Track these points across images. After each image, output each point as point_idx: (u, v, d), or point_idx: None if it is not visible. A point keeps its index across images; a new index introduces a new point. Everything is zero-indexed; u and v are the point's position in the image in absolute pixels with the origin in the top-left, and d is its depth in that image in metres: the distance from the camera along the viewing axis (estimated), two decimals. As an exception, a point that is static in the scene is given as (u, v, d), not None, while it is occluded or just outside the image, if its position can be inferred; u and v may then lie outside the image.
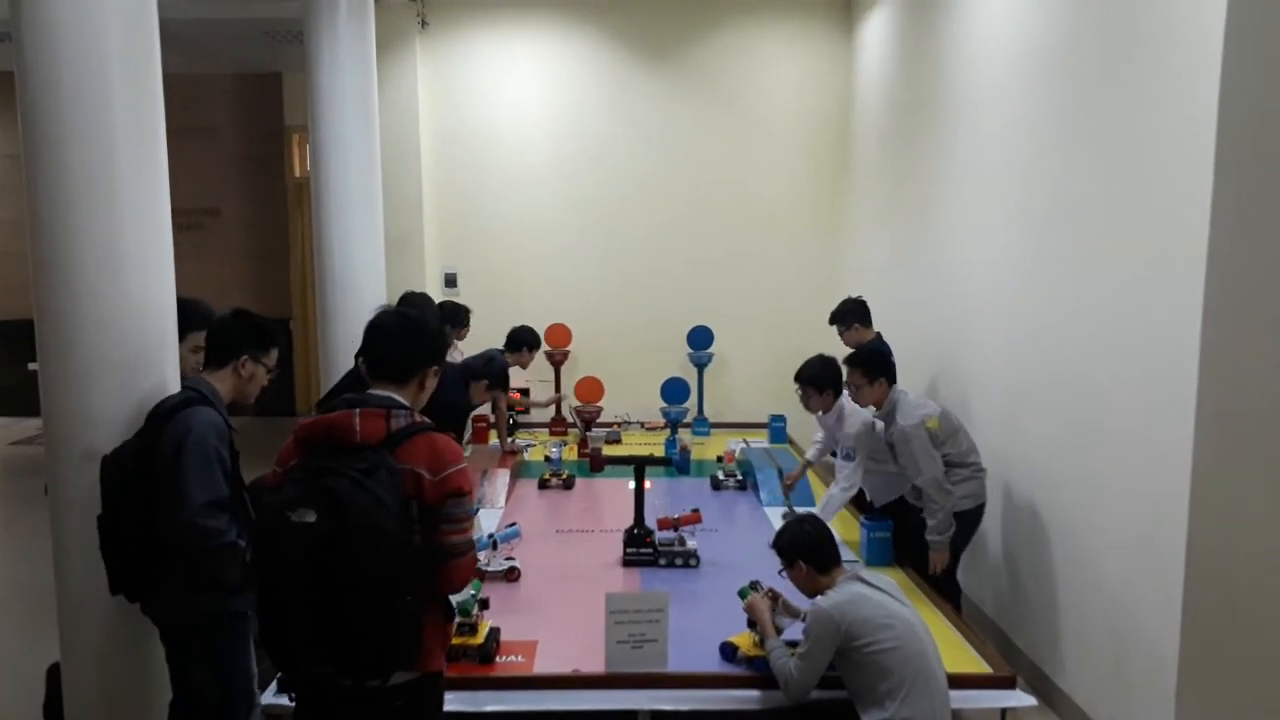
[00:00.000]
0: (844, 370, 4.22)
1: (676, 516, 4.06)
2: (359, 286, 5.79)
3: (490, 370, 4.95)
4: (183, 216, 9.43)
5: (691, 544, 3.99)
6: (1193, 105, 2.88)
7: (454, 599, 2.38)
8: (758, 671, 2.97)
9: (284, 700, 2.82)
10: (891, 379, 4.05)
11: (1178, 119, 2.99)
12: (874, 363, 4.07)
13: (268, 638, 2.09)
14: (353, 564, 1.94)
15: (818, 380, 4.43)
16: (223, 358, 2.75)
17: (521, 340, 5.95)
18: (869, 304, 5.08)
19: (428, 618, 2.15)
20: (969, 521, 3.95)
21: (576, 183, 7.49)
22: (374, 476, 1.99)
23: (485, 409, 6.30)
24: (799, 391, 4.52)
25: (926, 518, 3.82)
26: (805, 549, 2.94)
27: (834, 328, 5.17)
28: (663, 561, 3.94)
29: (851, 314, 4.99)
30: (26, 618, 4.45)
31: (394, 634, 2.05)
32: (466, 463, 2.21)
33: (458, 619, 2.78)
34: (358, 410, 2.11)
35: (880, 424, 4.08)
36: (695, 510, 4.12)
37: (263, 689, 2.87)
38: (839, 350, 4.66)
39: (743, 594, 3.12)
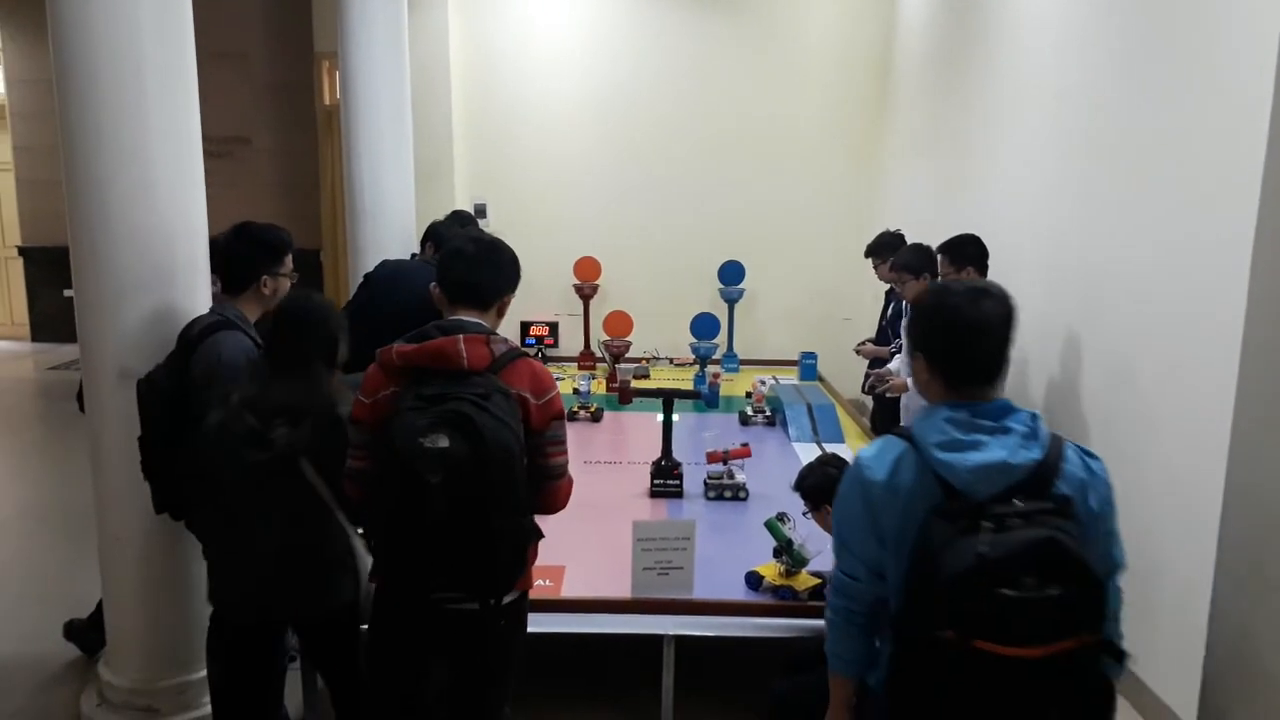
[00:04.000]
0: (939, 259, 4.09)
1: (726, 450, 4.06)
2: (388, 217, 5.78)
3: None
4: (213, 144, 9.38)
5: (740, 477, 4.00)
6: (1248, 30, 2.76)
7: None
8: (782, 600, 3.00)
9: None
10: (982, 272, 3.94)
11: (1232, 46, 2.87)
12: (962, 249, 3.97)
13: (393, 565, 2.12)
14: (488, 485, 1.98)
15: (911, 265, 4.26)
16: (242, 283, 2.75)
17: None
18: (907, 238, 5.00)
19: None
20: None
21: (609, 113, 7.36)
22: (491, 400, 2.02)
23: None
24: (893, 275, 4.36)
25: None
26: (832, 491, 2.90)
27: (869, 260, 5.10)
28: (711, 495, 3.96)
29: (888, 247, 4.90)
30: (69, 537, 4.58)
31: (521, 552, 2.14)
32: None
33: None
34: (461, 336, 2.12)
35: None
36: (745, 445, 4.11)
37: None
38: (873, 285, 4.59)
39: (769, 526, 3.13)
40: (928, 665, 1.67)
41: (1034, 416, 1.80)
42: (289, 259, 2.81)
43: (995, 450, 1.72)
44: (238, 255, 2.77)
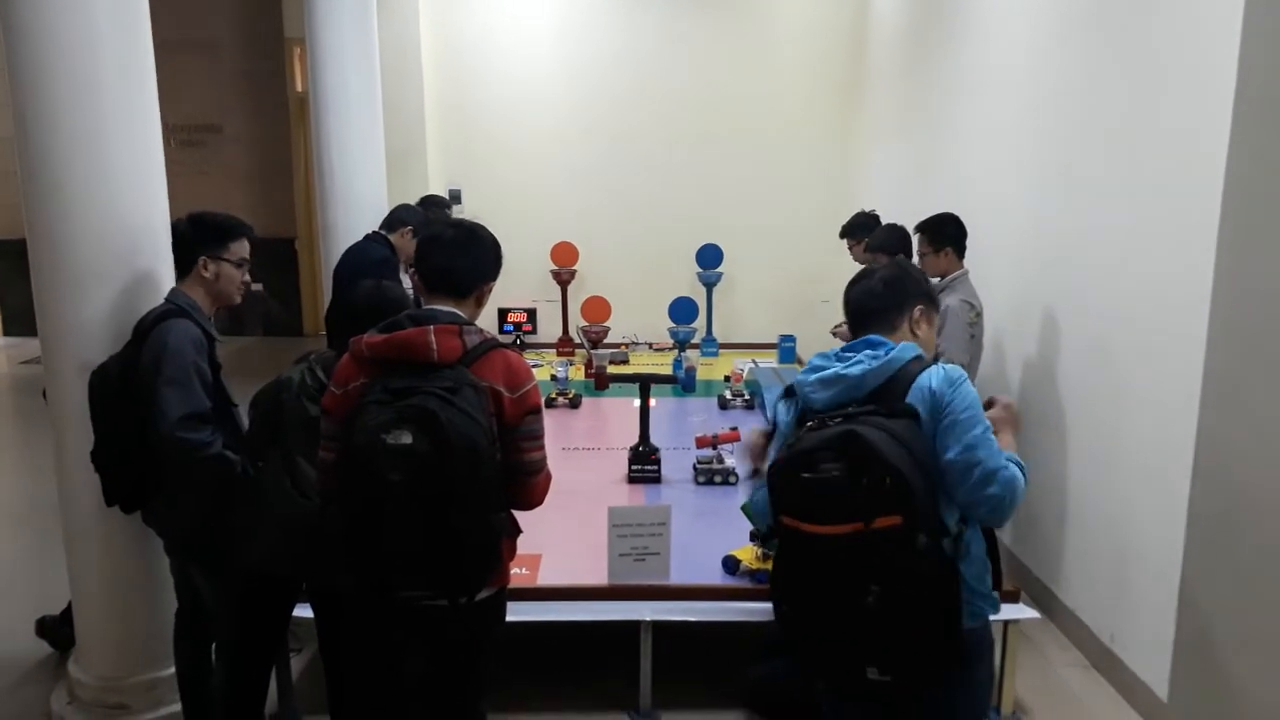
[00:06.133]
0: (915, 239, 3.97)
1: (715, 435, 4.04)
2: (361, 203, 5.70)
3: (411, 215, 4.70)
4: (184, 133, 9.34)
5: (730, 462, 3.98)
6: (1218, 15, 2.75)
7: None
8: (759, 584, 2.99)
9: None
10: (960, 252, 3.88)
11: (1201, 27, 2.86)
12: (941, 229, 3.89)
13: (360, 562, 2.05)
14: (452, 482, 1.91)
15: (886, 246, 4.03)
16: (184, 265, 2.68)
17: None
18: (882, 219, 4.98)
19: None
20: None
21: (585, 97, 7.30)
22: (460, 394, 1.94)
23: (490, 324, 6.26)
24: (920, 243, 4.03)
25: None
26: None
27: (844, 242, 5.08)
28: (701, 480, 3.94)
29: (863, 228, 4.88)
30: (41, 533, 4.51)
31: (491, 550, 2.06)
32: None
33: None
34: (432, 327, 2.04)
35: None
36: (734, 429, 4.09)
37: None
38: (850, 266, 4.54)
39: (746, 510, 3.10)
40: (780, 548, 1.95)
41: (896, 347, 2.00)
42: (236, 245, 2.69)
43: (835, 366, 2.01)
44: (179, 236, 2.70)
